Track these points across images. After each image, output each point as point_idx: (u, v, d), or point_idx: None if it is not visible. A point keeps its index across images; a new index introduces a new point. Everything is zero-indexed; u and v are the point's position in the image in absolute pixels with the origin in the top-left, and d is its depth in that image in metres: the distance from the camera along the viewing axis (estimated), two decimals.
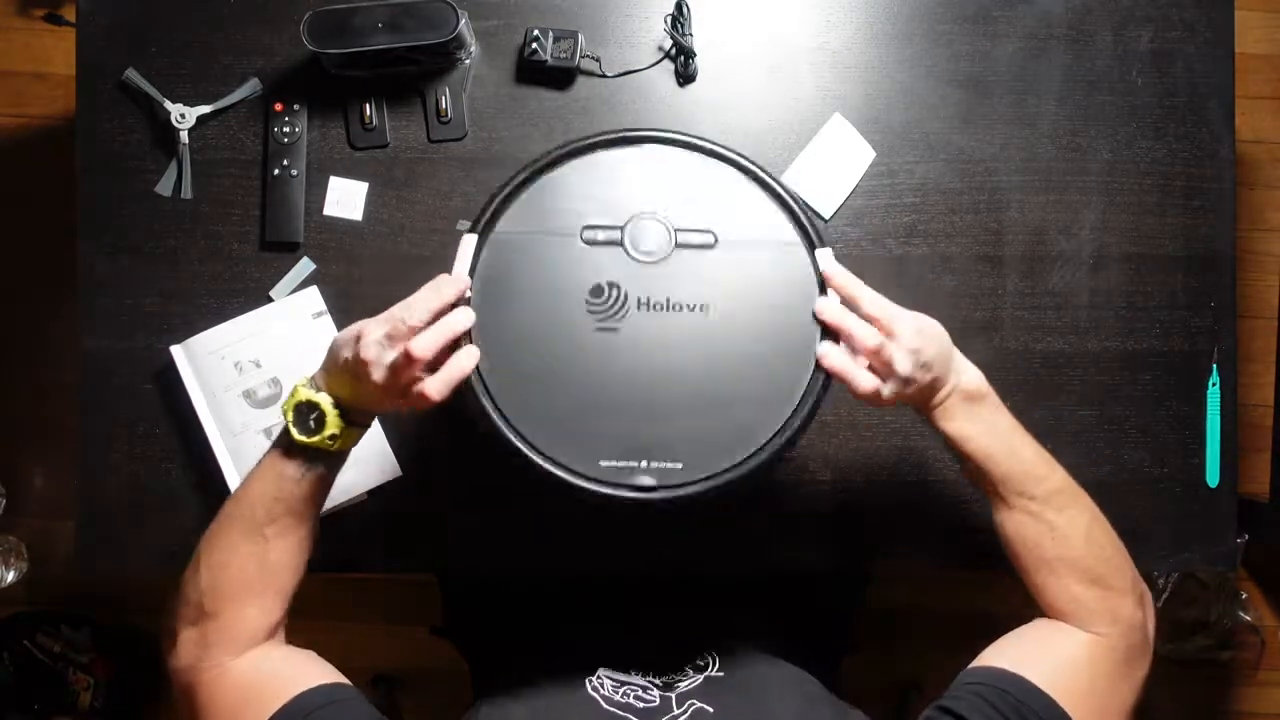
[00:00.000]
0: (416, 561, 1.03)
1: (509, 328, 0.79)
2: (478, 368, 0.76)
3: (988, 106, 1.05)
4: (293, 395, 0.80)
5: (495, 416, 0.78)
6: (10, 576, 1.79)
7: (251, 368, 1.00)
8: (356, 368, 0.75)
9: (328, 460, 0.81)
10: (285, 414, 0.79)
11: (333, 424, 0.78)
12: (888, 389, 0.77)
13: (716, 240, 0.82)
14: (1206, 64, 1.05)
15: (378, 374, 0.74)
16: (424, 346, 0.72)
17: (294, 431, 0.79)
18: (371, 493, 1.01)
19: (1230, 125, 1.05)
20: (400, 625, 1.80)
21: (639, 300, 0.80)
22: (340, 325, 1.02)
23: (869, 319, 0.78)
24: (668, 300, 0.80)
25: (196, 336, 1.00)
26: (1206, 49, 1.05)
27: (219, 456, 0.99)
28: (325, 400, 0.78)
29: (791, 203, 0.83)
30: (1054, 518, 0.81)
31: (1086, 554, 0.81)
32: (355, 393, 0.78)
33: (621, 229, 0.81)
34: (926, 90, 1.04)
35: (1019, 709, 0.72)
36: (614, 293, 0.80)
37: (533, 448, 0.78)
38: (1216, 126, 1.05)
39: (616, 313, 0.80)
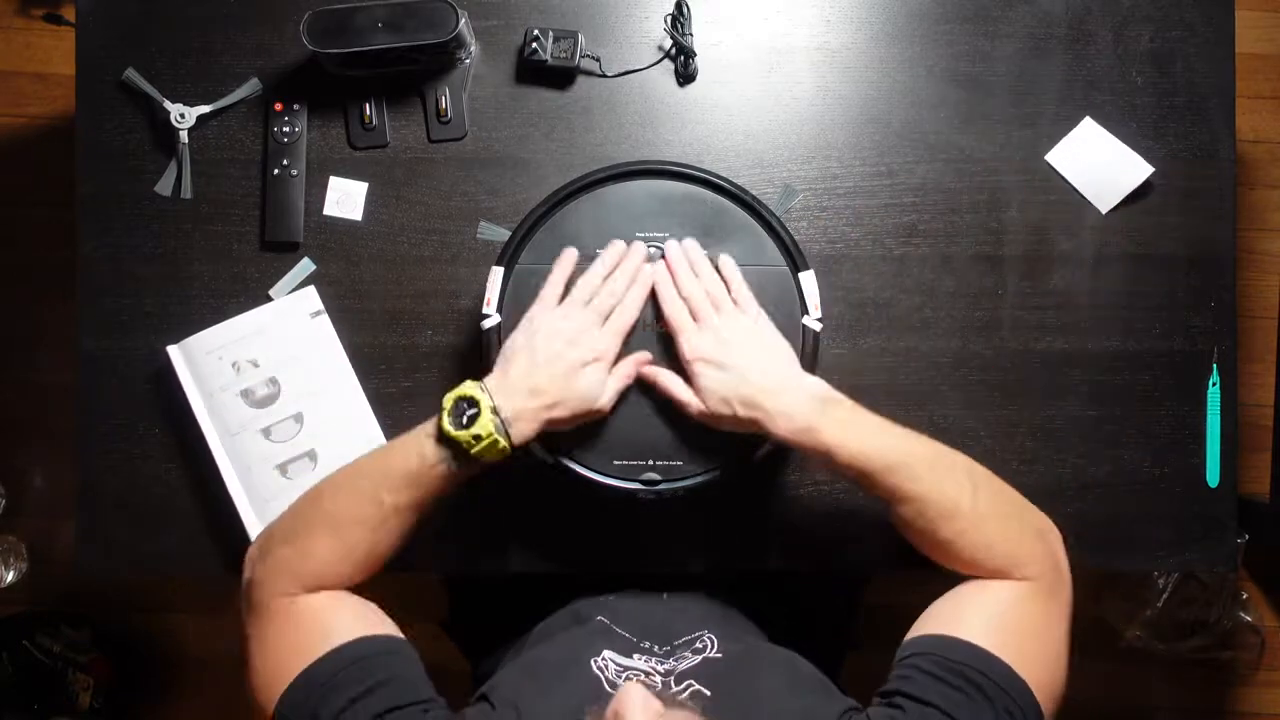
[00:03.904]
0: (419, 562, 1.03)
1: None
2: None
3: (988, 106, 1.05)
4: (458, 388, 0.83)
5: None
6: (10, 576, 1.79)
7: (249, 367, 1.00)
8: (592, 354, 0.85)
9: (463, 461, 0.83)
10: (444, 403, 0.83)
11: (483, 425, 0.81)
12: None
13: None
14: (1206, 64, 1.05)
15: (613, 342, 0.87)
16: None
17: (446, 420, 0.82)
18: None
19: (1230, 125, 1.05)
20: (401, 625, 1.80)
21: (644, 323, 0.89)
22: (339, 325, 1.02)
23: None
24: None
25: (193, 337, 1.00)
26: (1206, 49, 1.05)
27: (216, 456, 0.99)
28: (485, 401, 0.82)
29: (777, 227, 0.91)
30: (937, 492, 0.83)
31: (980, 507, 0.83)
32: (582, 377, 0.85)
33: None
34: (926, 90, 1.04)
35: (955, 668, 0.75)
36: None
37: (559, 451, 0.90)
38: (1216, 126, 1.05)
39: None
